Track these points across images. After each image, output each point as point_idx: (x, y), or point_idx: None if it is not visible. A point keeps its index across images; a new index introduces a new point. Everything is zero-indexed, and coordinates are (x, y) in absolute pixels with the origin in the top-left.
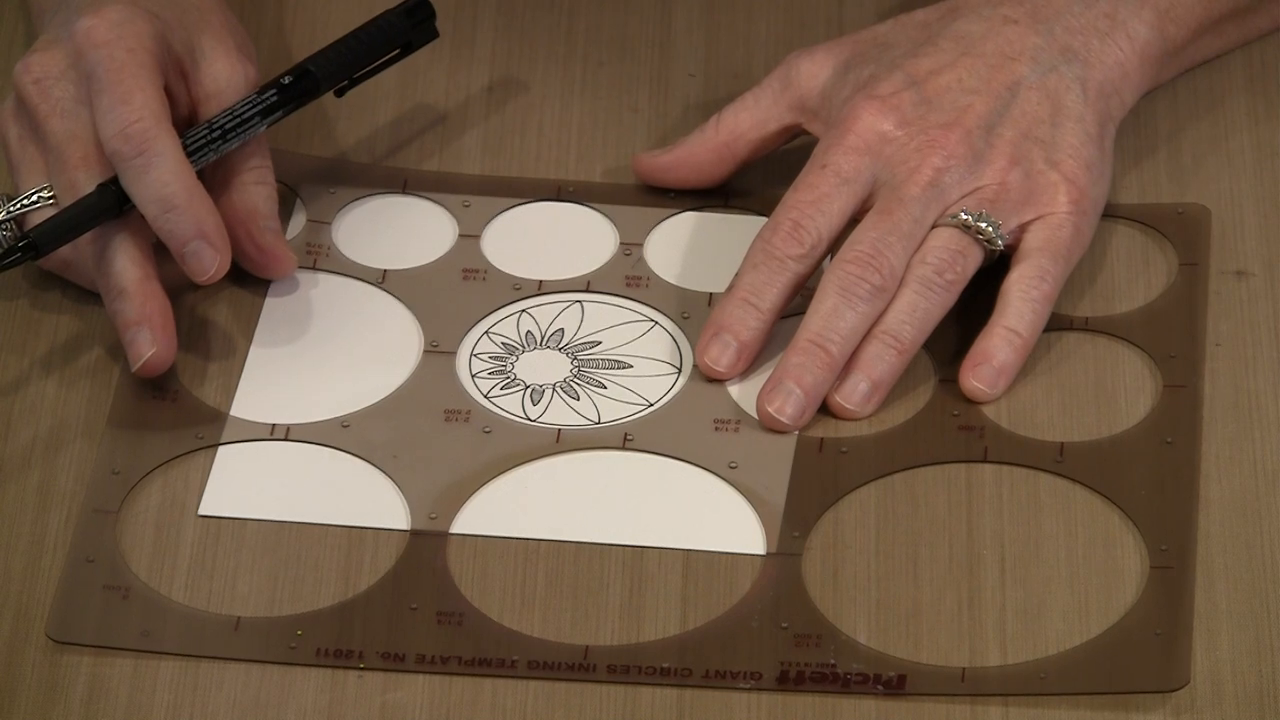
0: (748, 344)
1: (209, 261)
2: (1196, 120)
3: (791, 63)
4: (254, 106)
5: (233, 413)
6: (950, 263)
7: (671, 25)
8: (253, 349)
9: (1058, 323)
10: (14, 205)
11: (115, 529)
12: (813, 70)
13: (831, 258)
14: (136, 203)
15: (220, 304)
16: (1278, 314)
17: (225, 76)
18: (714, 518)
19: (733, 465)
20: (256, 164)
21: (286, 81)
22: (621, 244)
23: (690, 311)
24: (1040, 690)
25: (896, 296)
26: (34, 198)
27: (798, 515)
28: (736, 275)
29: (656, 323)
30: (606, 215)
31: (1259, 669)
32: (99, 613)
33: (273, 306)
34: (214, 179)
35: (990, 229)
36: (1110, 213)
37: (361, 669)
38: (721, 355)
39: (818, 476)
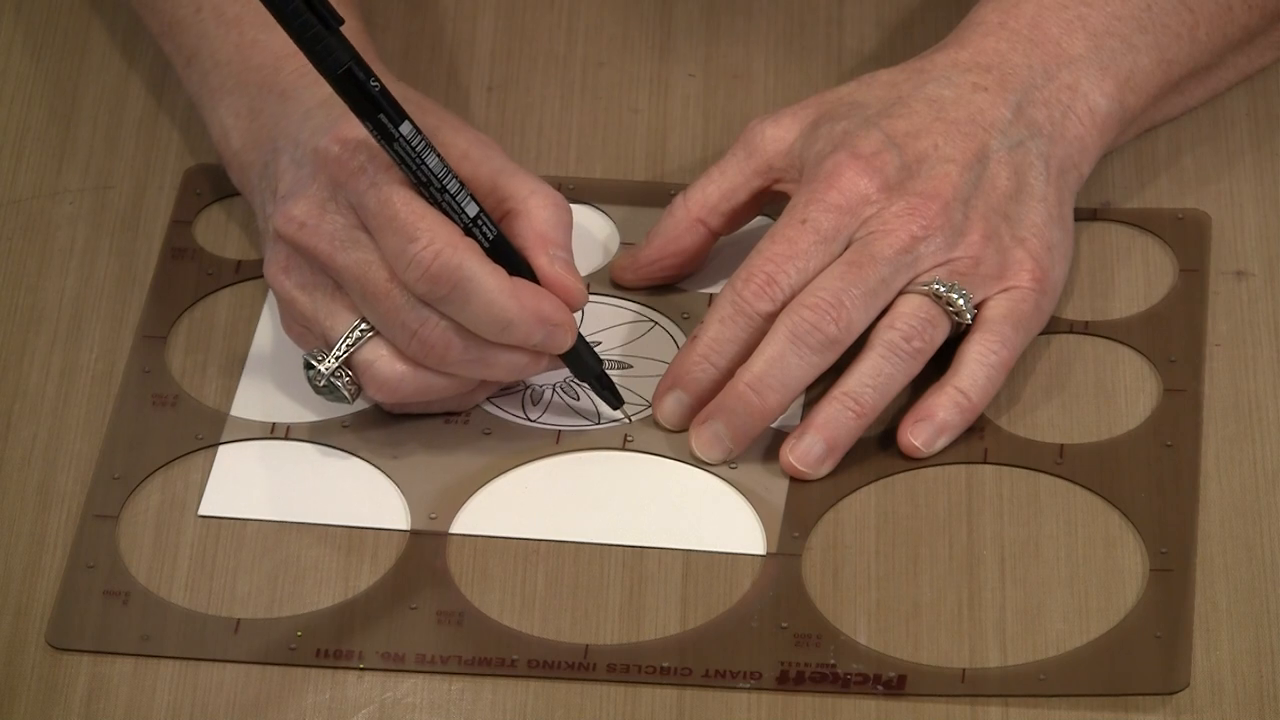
0: (701, 399)
1: (563, 340)
2: (1196, 121)
3: (754, 129)
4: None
5: (233, 412)
6: (919, 330)
7: (671, 25)
8: (253, 349)
9: (1058, 326)
10: (340, 348)
11: (115, 533)
12: (778, 134)
13: None
14: (470, 329)
15: (220, 304)
16: (1278, 314)
17: (477, 149)
18: (714, 518)
19: (733, 465)
20: (534, 188)
21: None
22: (622, 244)
23: (690, 311)
24: (1040, 691)
25: (861, 358)
26: (355, 334)
27: (798, 515)
28: (702, 323)
29: (656, 323)
30: (606, 215)
31: (1259, 669)
32: (98, 619)
33: (273, 306)
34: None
35: (961, 301)
36: (1110, 217)
37: (361, 669)
38: (674, 412)
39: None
